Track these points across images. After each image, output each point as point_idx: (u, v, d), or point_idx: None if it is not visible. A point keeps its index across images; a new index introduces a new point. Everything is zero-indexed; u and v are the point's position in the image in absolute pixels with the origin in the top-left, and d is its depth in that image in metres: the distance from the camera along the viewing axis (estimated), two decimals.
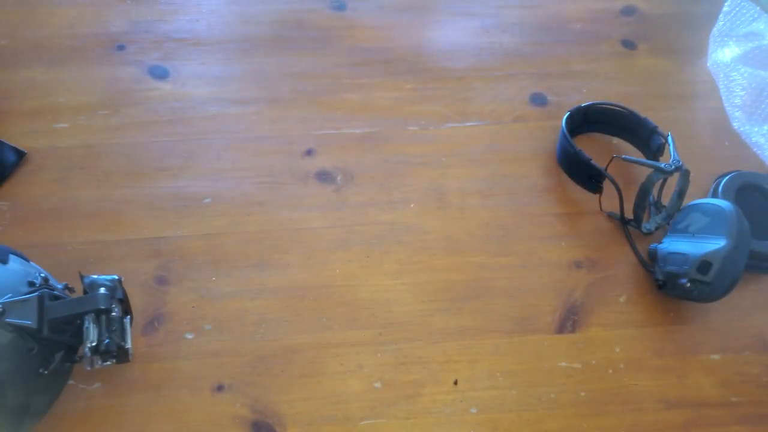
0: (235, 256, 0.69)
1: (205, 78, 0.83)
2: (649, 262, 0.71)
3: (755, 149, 0.81)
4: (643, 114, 0.77)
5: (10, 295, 0.52)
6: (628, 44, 0.91)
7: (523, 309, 0.68)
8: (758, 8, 0.87)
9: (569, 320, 0.67)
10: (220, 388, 0.61)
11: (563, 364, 0.65)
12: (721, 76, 0.87)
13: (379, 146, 0.79)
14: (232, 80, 0.83)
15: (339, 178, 0.76)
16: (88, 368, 0.56)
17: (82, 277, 0.56)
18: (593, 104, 0.79)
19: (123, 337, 0.55)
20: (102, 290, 0.55)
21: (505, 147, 0.80)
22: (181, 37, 0.87)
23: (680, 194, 0.72)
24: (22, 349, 0.52)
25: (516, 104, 0.84)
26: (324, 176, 0.76)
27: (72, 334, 0.55)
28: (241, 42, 0.87)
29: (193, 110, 0.80)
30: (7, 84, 0.80)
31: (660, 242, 0.69)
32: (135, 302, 0.65)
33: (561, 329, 0.67)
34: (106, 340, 0.54)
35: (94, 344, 0.54)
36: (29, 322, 0.51)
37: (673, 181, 0.74)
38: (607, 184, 0.72)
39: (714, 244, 0.63)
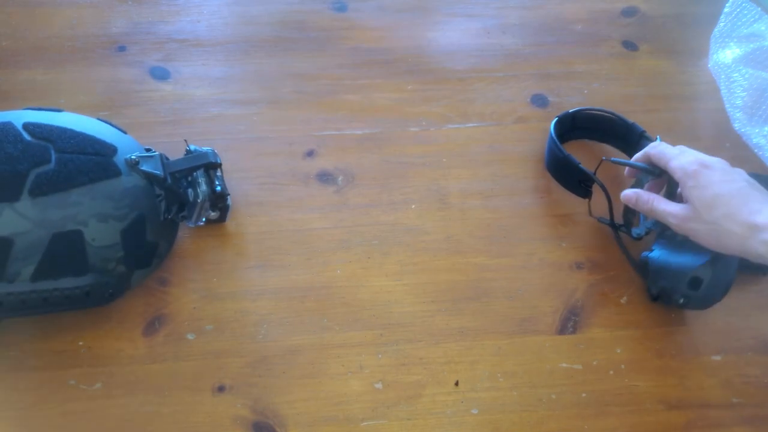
0: (235, 257, 0.69)
1: (206, 79, 0.83)
2: (642, 268, 0.70)
3: (756, 150, 0.81)
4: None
5: (138, 152, 0.62)
6: (629, 45, 0.91)
7: (524, 310, 0.68)
8: (759, 9, 0.87)
9: (570, 321, 0.67)
10: (221, 388, 0.61)
11: (564, 364, 0.65)
12: (722, 77, 0.87)
13: (380, 147, 0.79)
14: (233, 81, 0.83)
15: (340, 179, 0.76)
16: (192, 224, 0.67)
17: (187, 145, 0.68)
18: (581, 110, 0.78)
19: (225, 190, 0.67)
20: (208, 150, 0.66)
21: (506, 148, 0.80)
22: (182, 38, 0.87)
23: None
24: (153, 194, 0.62)
25: (517, 105, 0.84)
26: (325, 177, 0.76)
27: (184, 189, 0.65)
28: (242, 43, 0.88)
29: (194, 111, 0.80)
30: (8, 85, 0.80)
31: (650, 250, 0.69)
32: (136, 303, 0.65)
33: (562, 330, 0.67)
34: (218, 186, 0.65)
35: (206, 191, 0.65)
36: (158, 172, 0.62)
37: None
38: (597, 189, 0.71)
39: (702, 255, 0.62)
